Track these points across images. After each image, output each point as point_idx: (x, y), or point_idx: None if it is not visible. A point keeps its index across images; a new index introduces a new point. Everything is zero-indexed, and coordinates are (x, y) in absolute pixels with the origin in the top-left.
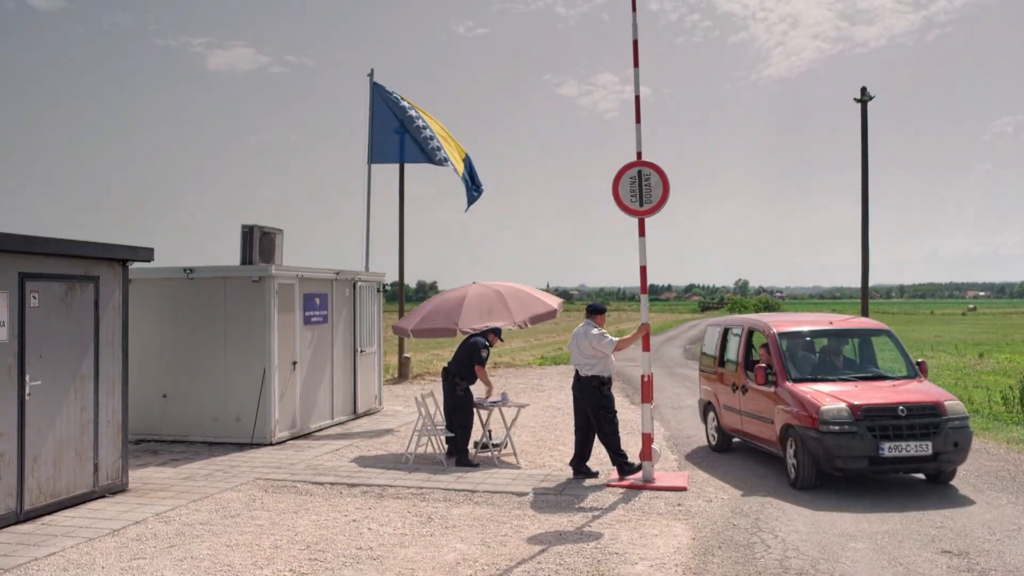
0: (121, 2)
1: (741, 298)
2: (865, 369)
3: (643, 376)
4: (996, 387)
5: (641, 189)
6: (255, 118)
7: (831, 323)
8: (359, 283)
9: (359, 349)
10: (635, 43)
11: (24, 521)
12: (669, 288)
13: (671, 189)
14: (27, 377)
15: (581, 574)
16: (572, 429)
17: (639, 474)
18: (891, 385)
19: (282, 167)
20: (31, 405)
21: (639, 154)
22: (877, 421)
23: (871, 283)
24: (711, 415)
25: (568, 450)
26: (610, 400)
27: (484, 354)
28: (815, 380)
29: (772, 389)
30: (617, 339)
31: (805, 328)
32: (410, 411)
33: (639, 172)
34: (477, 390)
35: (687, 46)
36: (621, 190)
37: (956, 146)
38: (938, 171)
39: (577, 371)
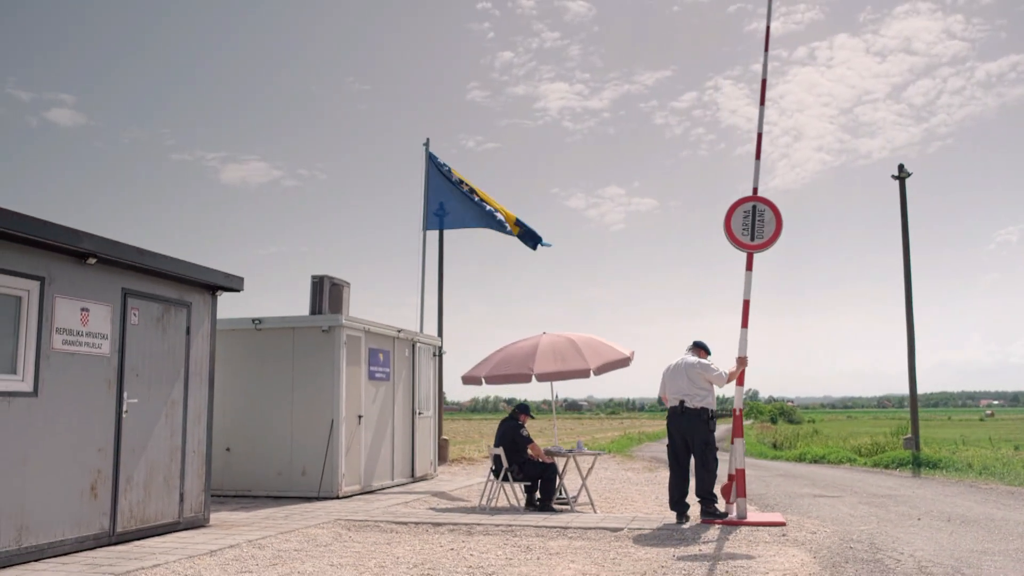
0: (139, 119)
1: (755, 403)
2: None
3: (735, 410)
4: None
5: (754, 224)
6: (267, 229)
7: None
8: (418, 344)
9: (417, 411)
10: (764, 82)
11: (116, 544)
12: None
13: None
14: (125, 394)
15: None
16: (637, 491)
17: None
18: None
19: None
20: (127, 424)
21: (755, 190)
22: None
23: (881, 393)
24: None
25: (640, 506)
26: (714, 435)
27: (524, 432)
28: None
29: None
30: (727, 371)
31: None
32: (467, 479)
33: (753, 207)
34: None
35: (692, 159)
36: (733, 223)
37: (962, 256)
38: (945, 281)
39: (682, 403)
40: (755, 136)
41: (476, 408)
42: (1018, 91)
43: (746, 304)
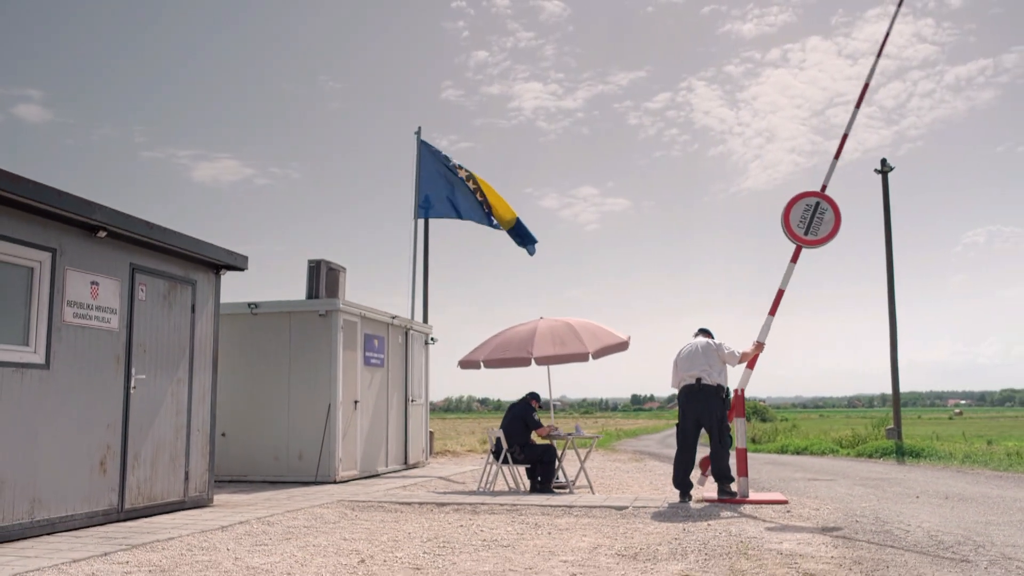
0: (110, 116)
1: None
2: None
3: (737, 390)
4: None
5: (812, 219)
6: (240, 227)
7: None
8: (411, 332)
9: (410, 399)
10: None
11: (124, 520)
12: (652, 398)
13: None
14: (133, 370)
15: (729, 550)
16: (631, 477)
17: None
18: None
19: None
20: (135, 400)
21: (824, 187)
22: None
23: (852, 392)
24: None
25: (637, 490)
26: (727, 414)
27: (536, 416)
28: None
29: None
30: (740, 352)
31: None
32: (458, 467)
33: (817, 203)
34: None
35: (666, 160)
36: (792, 214)
37: (930, 257)
38: (914, 282)
39: (699, 380)
40: (728, 137)
41: (450, 408)
42: (987, 94)
43: (780, 293)
